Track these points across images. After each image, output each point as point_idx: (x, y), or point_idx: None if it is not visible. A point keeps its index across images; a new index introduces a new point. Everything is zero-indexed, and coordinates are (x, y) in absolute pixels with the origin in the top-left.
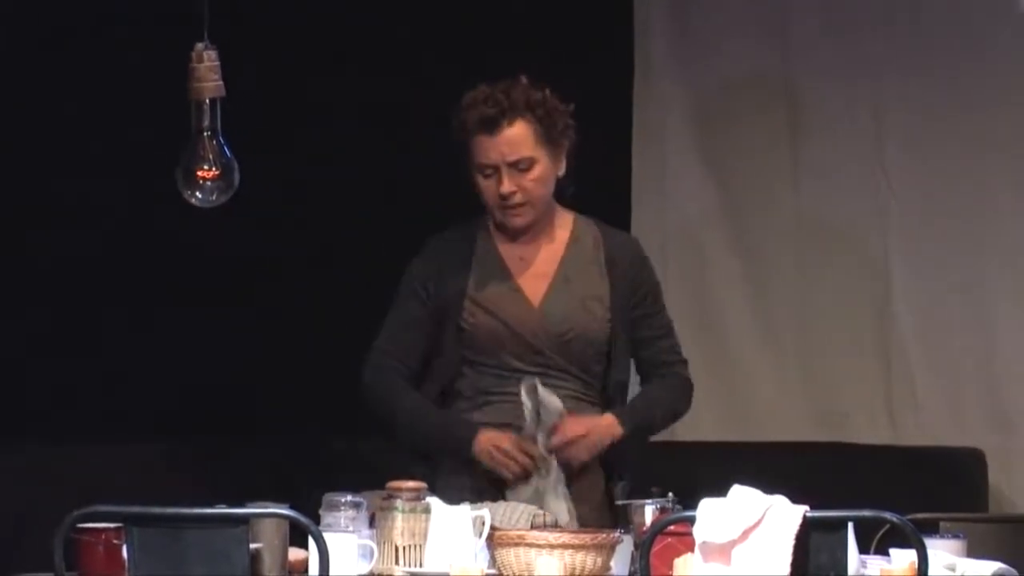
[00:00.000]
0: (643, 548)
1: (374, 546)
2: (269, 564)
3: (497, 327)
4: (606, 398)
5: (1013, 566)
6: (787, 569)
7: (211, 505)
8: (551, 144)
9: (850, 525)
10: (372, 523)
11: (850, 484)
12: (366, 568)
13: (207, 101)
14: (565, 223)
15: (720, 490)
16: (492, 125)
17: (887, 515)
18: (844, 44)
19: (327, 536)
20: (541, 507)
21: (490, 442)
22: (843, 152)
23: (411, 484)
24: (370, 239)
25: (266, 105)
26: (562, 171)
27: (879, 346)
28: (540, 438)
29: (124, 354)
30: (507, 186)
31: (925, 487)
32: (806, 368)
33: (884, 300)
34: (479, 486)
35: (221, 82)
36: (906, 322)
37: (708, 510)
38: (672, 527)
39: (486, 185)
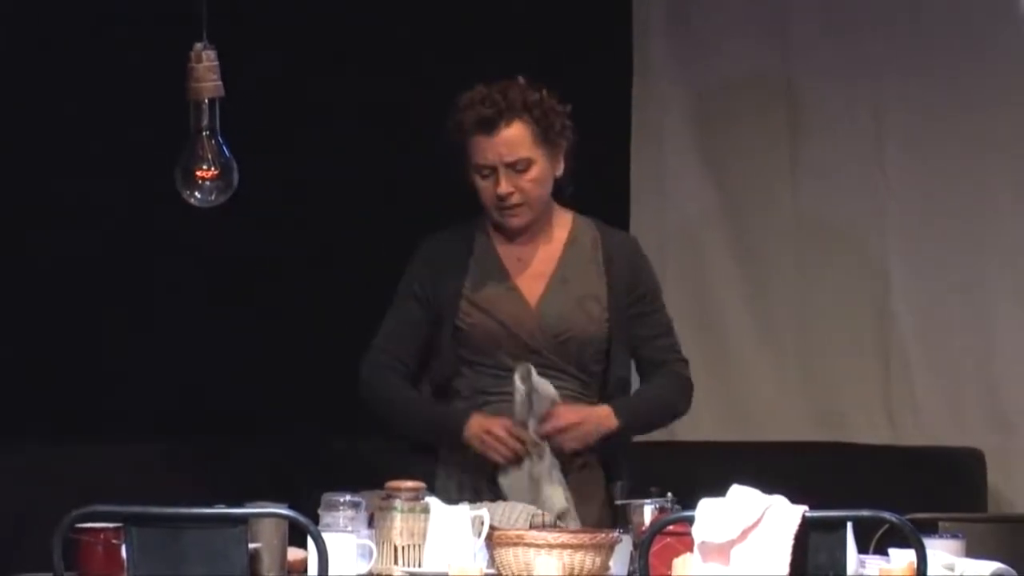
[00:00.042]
0: (642, 548)
1: (373, 546)
2: (268, 564)
3: (494, 327)
4: (607, 396)
5: (1012, 566)
6: (786, 569)
7: (210, 505)
8: (548, 144)
9: (849, 525)
10: (371, 523)
11: (849, 484)
12: (365, 568)
13: (206, 101)
14: (564, 223)
15: (719, 490)
16: (489, 126)
17: (886, 515)
18: (844, 44)
19: (326, 536)
20: (537, 494)
21: (481, 427)
22: (843, 152)
23: (410, 484)
24: (370, 239)
25: (266, 105)
26: (560, 171)
27: (878, 346)
28: (532, 424)
29: (124, 354)
30: (504, 187)
31: (924, 487)
32: (805, 368)
33: (883, 300)
34: (477, 486)
35: (220, 82)
36: (905, 322)
37: (707, 510)
38: (671, 527)
39: (484, 186)
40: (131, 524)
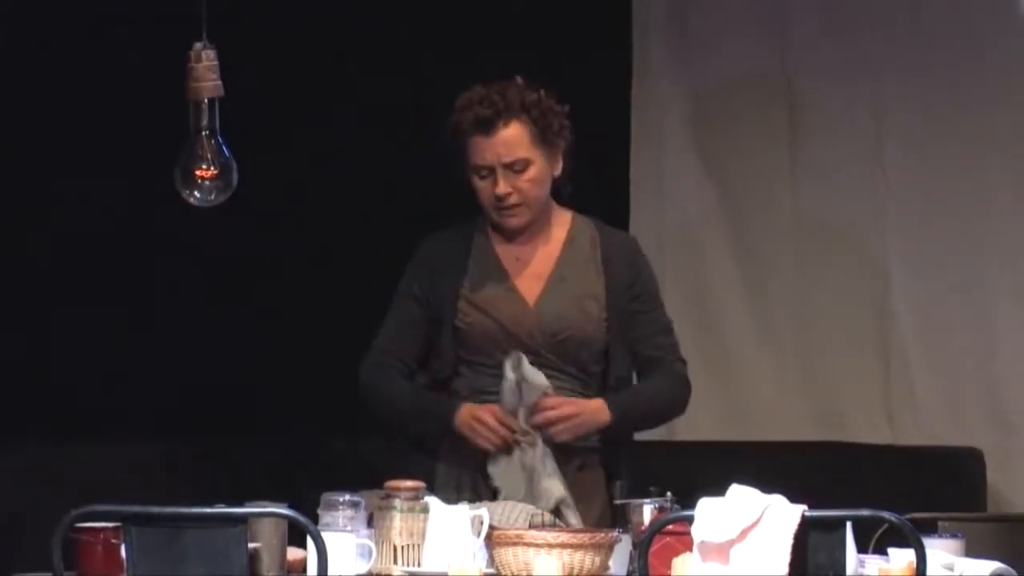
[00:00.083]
0: (641, 547)
1: (372, 546)
2: (267, 564)
3: (492, 327)
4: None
5: (1011, 565)
6: (785, 569)
7: (210, 505)
8: (547, 145)
9: (848, 524)
10: (370, 523)
11: (848, 484)
12: (364, 568)
13: (205, 101)
14: (563, 222)
15: (719, 490)
16: (487, 126)
17: (885, 514)
18: (844, 44)
19: (325, 536)
20: (531, 485)
21: (470, 414)
22: (843, 152)
23: (409, 484)
24: (370, 239)
25: (266, 105)
26: (558, 171)
27: (878, 346)
28: (522, 413)
29: (124, 354)
30: (503, 187)
31: (923, 487)
32: (805, 368)
33: (883, 300)
34: (476, 485)
35: (219, 82)
36: (905, 322)
37: (706, 509)
38: (670, 526)
39: (482, 186)
40: (130, 524)
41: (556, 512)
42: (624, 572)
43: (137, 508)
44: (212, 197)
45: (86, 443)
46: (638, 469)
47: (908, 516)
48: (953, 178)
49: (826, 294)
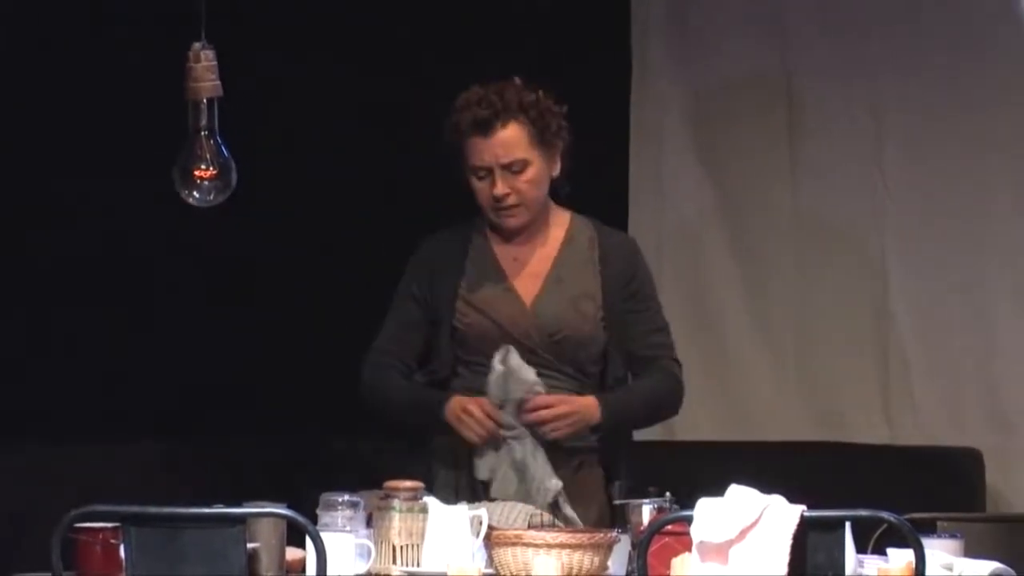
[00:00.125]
0: (640, 547)
1: (371, 546)
2: (266, 564)
3: (489, 327)
4: None
5: (1010, 565)
6: (784, 569)
7: (208, 505)
8: (545, 145)
9: (847, 525)
10: (369, 523)
11: (848, 484)
12: (363, 568)
13: (204, 101)
14: (561, 223)
15: (718, 490)
16: (485, 127)
17: (884, 515)
18: (843, 44)
19: (324, 536)
20: (525, 480)
21: (459, 405)
22: (842, 152)
23: (408, 484)
24: (370, 239)
25: (265, 105)
26: (556, 172)
27: (877, 346)
28: (508, 407)
29: (124, 354)
30: (501, 188)
31: (922, 487)
32: (804, 368)
33: (882, 300)
34: (475, 486)
35: (218, 82)
36: (904, 322)
37: (705, 510)
38: (669, 527)
39: (480, 187)
40: (129, 524)
41: (554, 505)
42: (623, 572)
43: (136, 508)
44: (211, 197)
45: (86, 443)
46: (637, 469)
47: (907, 516)
48: (952, 178)
49: (825, 294)
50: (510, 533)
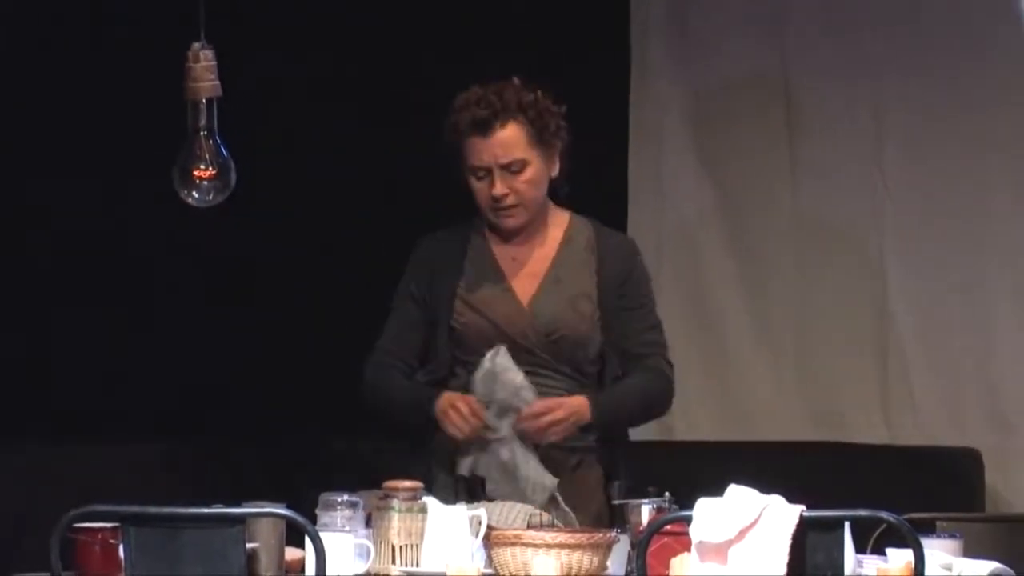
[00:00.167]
0: (640, 548)
1: (370, 546)
2: (266, 563)
3: (485, 327)
4: None
5: (1009, 566)
6: (783, 569)
7: (207, 505)
8: (543, 146)
9: (847, 525)
10: (369, 523)
11: (847, 484)
12: (363, 568)
13: (203, 101)
14: (560, 223)
15: (717, 490)
16: (484, 127)
17: (884, 515)
18: (843, 44)
19: (323, 536)
20: (516, 481)
21: (448, 401)
22: (842, 152)
23: (407, 484)
24: (370, 239)
25: (264, 105)
26: (555, 172)
27: (877, 346)
28: (492, 408)
29: (124, 354)
30: (499, 188)
31: (922, 487)
32: (803, 368)
33: (882, 300)
34: (473, 491)
35: (217, 82)
36: (904, 322)
37: (705, 510)
38: (669, 527)
39: (479, 187)
40: (129, 524)
41: (552, 501)
42: (622, 572)
43: (135, 508)
44: (210, 197)
45: (86, 443)
46: (636, 469)
47: (906, 516)
48: (953, 178)
49: (825, 294)
50: (509, 533)
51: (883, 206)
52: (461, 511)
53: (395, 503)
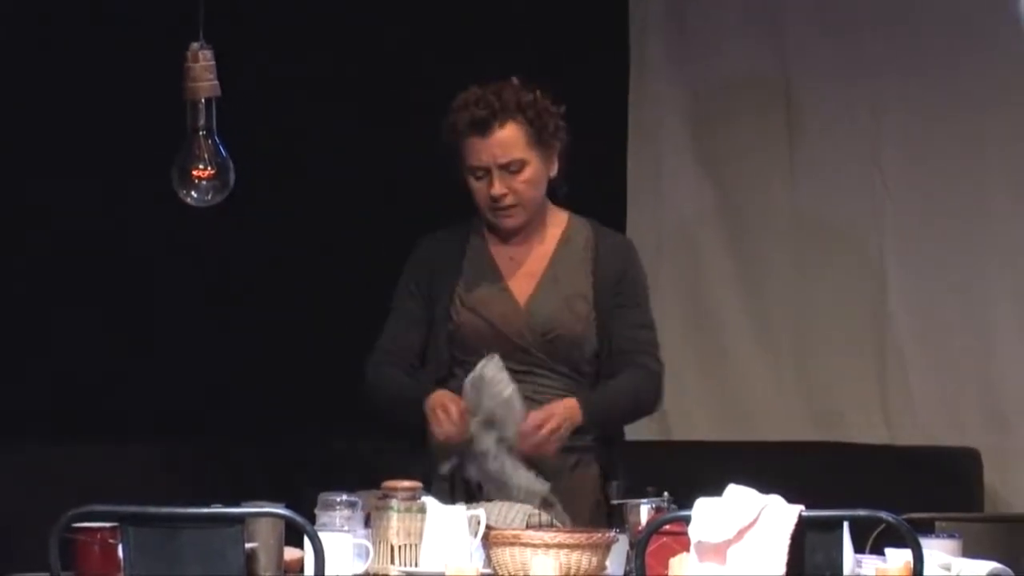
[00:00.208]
0: (638, 547)
1: (369, 545)
2: (265, 563)
3: (482, 327)
4: None
5: (1008, 566)
6: (782, 569)
7: (207, 505)
8: (542, 146)
9: (846, 525)
10: (367, 523)
11: (846, 484)
12: (362, 568)
13: (202, 100)
14: (558, 223)
15: (716, 490)
16: (483, 127)
17: (883, 515)
18: (842, 44)
19: (322, 536)
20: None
21: (439, 399)
22: (841, 152)
23: (406, 484)
24: (370, 239)
25: (264, 105)
26: (554, 172)
27: (875, 346)
28: (479, 416)
29: (124, 354)
30: (498, 188)
31: (920, 487)
32: (802, 368)
33: (881, 300)
34: (471, 489)
35: (216, 82)
36: (903, 322)
37: (704, 510)
38: (668, 526)
39: (477, 187)
40: (128, 524)
41: (545, 504)
42: (621, 572)
43: (134, 508)
44: (209, 197)
45: (86, 443)
46: (635, 469)
47: (905, 516)
48: (952, 178)
49: (824, 294)
50: (508, 533)
51: (882, 206)
52: (460, 511)
53: (394, 503)
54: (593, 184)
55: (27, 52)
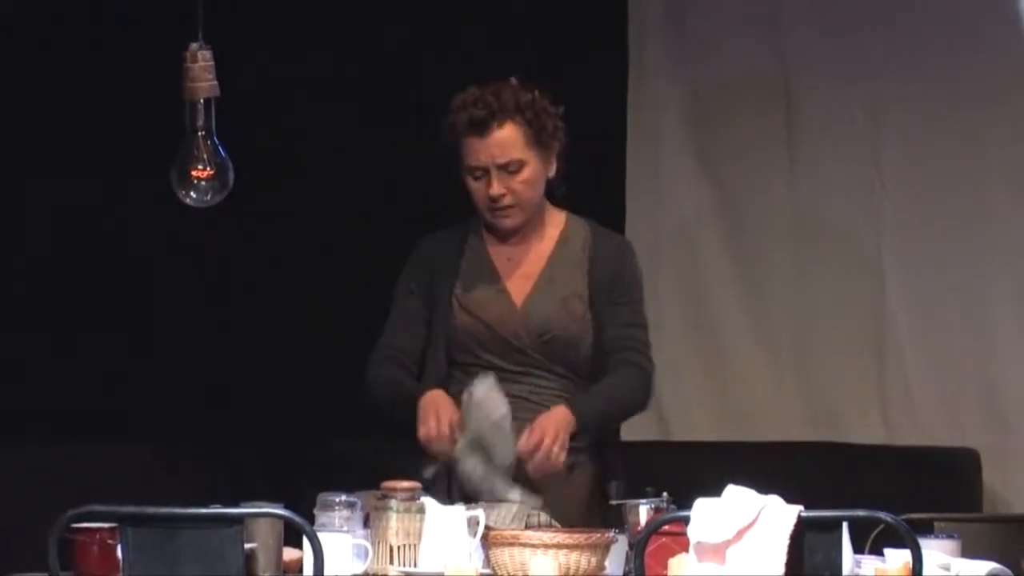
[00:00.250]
0: (638, 548)
1: (368, 546)
2: (264, 564)
3: (478, 327)
4: None
5: (1007, 566)
6: (782, 569)
7: (206, 505)
8: (541, 146)
9: (845, 525)
10: (367, 523)
11: (845, 484)
12: (361, 568)
13: (201, 101)
14: (557, 223)
15: (715, 490)
16: (482, 127)
17: (882, 515)
18: (841, 44)
19: (321, 536)
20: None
21: (433, 400)
22: (840, 152)
23: (405, 484)
24: (370, 239)
25: (263, 105)
26: (552, 172)
27: (874, 346)
28: (468, 434)
29: (124, 354)
30: (496, 188)
31: (920, 487)
32: (801, 368)
33: (880, 300)
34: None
35: (215, 82)
36: (901, 322)
37: (703, 510)
38: (667, 527)
39: (476, 187)
40: (127, 524)
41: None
42: (620, 572)
43: (133, 508)
44: (208, 197)
45: (86, 443)
46: (634, 469)
47: (904, 516)
48: (951, 178)
49: (823, 294)
50: (507, 533)
51: (881, 206)
52: (459, 511)
53: (393, 503)
54: (592, 184)
55: (27, 52)
